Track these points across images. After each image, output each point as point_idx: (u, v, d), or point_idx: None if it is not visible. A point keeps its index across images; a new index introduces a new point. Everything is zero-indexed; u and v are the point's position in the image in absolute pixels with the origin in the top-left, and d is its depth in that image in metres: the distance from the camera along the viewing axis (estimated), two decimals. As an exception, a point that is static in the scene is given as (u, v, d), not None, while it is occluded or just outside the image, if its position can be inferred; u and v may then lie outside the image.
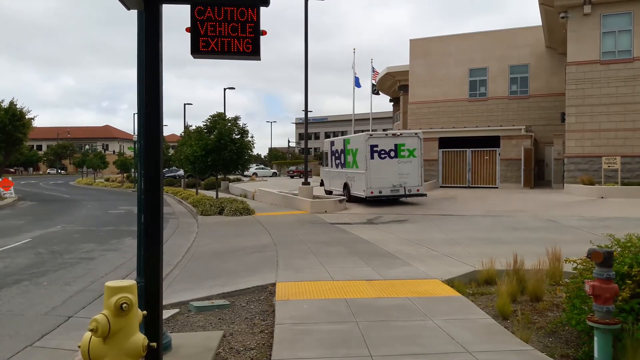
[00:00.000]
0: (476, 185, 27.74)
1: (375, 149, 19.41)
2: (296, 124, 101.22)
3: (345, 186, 21.59)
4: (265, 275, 8.37)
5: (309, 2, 20.08)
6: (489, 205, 19.04)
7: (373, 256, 9.72)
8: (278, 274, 8.34)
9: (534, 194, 22.96)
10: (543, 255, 7.58)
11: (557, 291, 6.63)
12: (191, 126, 28.12)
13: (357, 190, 20.17)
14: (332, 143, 24.04)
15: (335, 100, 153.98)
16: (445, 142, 28.71)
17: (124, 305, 3.25)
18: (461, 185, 28.00)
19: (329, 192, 24.02)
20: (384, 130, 53.36)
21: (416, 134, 20.04)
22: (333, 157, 23.60)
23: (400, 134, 20.12)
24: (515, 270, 7.02)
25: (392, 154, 19.34)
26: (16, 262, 10.83)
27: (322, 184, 26.01)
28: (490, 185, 27.46)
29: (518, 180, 26.74)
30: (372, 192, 19.27)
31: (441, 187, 28.17)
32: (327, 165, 24.81)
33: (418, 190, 19.60)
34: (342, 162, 22.10)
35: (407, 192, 19.46)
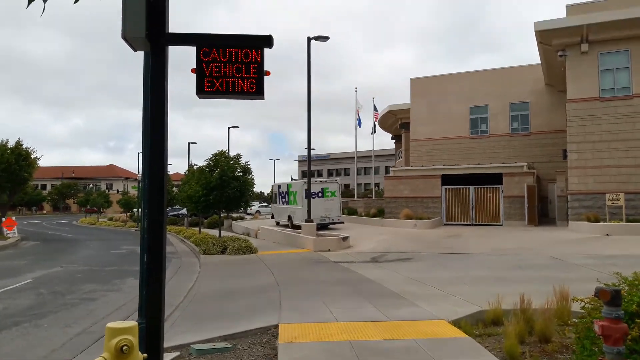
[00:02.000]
0: (480, 223, 27.57)
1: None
2: (299, 161, 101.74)
3: (289, 218, 28.55)
4: (267, 316, 8.24)
5: (312, 43, 20.45)
6: (493, 243, 18.89)
7: (378, 296, 9.58)
8: (281, 315, 8.21)
9: (539, 232, 22.79)
10: (550, 294, 7.46)
11: (565, 331, 6.49)
12: (195, 165, 28.34)
13: (297, 220, 26.64)
14: (279, 186, 31.96)
15: (339, 138, 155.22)
16: (448, 179, 28.73)
17: (125, 347, 3.19)
18: (465, 223, 27.83)
19: (277, 223, 30.53)
20: (387, 167, 53.69)
21: (336, 180, 29.26)
22: (280, 197, 31.23)
23: (325, 181, 28.66)
24: (523, 310, 6.90)
25: (320, 194, 26.80)
26: (17, 303, 10.72)
27: (272, 216, 33.63)
28: (494, 223, 27.29)
29: (522, 218, 26.58)
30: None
31: (445, 224, 28.01)
32: (276, 202, 32.45)
33: (338, 219, 27.18)
34: (287, 200, 29.76)
35: (330, 221, 26.64)
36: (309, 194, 22.18)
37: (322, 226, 26.10)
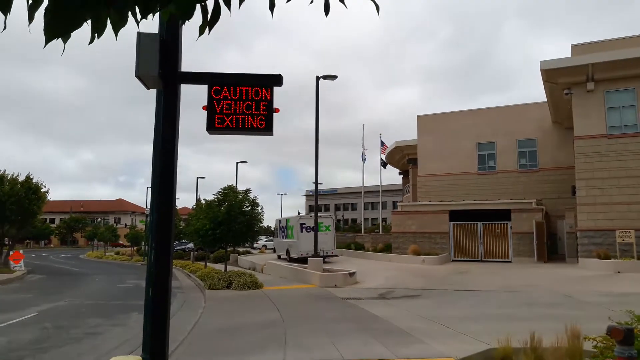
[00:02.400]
0: (489, 259, 27.26)
1: (303, 225, 28.77)
2: (306, 195, 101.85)
3: (287, 251, 30.05)
4: (273, 354, 8.13)
5: (320, 82, 20.85)
6: (502, 280, 18.63)
7: (386, 333, 9.43)
8: (286, 353, 8.09)
9: (549, 269, 22.48)
10: (561, 332, 7.32)
11: (578, 372, 6.33)
12: (203, 200, 28.46)
13: (294, 253, 28.71)
14: (280, 221, 33.78)
15: (346, 173, 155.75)
16: (456, 215, 28.60)
17: (129, 384, 3.17)
18: (473, 259, 27.53)
19: (279, 256, 31.77)
20: (395, 202, 53.73)
21: (330, 215, 30.84)
22: (280, 231, 33.05)
23: (320, 216, 28.37)
24: (533, 349, 6.76)
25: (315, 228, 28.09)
26: (20, 337, 10.65)
27: (274, 250, 35.62)
28: (503, 259, 26.98)
29: (531, 254, 26.28)
30: (301, 254, 27.69)
31: (453, 260, 27.72)
32: (277, 236, 34.35)
33: (332, 252, 28.80)
34: (285, 234, 31.50)
35: (324, 254, 27.38)
36: (315, 229, 22.18)
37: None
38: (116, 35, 1.96)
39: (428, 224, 29.01)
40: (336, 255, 29.03)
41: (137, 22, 1.93)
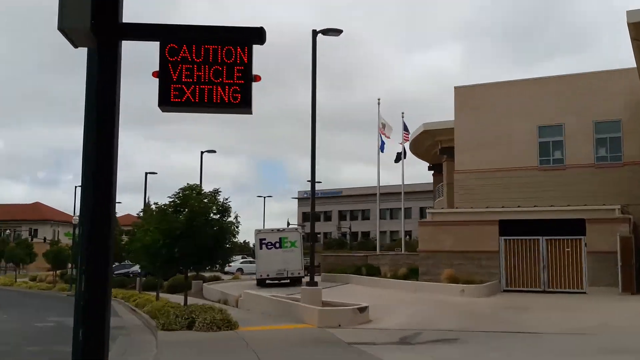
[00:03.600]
0: (555, 290, 27.23)
1: (263, 241, 33.26)
2: (299, 199, 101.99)
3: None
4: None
5: (318, 38, 20.79)
6: (574, 319, 18.66)
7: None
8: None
9: (638, 302, 22.51)
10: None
11: None
12: (154, 204, 28.33)
13: (257, 274, 33.92)
14: (259, 234, 36.87)
15: (355, 168, 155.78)
16: (509, 227, 28.59)
17: None
18: (533, 289, 27.49)
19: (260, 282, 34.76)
20: (422, 208, 53.94)
21: (296, 229, 37.30)
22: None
23: (284, 230, 36.46)
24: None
25: (277, 245, 32.90)
26: None
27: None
28: (575, 290, 26.96)
29: (614, 282, 26.22)
30: (261, 276, 33.10)
31: (504, 291, 27.72)
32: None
33: (299, 273, 32.90)
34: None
35: (289, 275, 32.51)
36: (312, 246, 22.16)
37: (279, 280, 33.12)
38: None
39: (469, 239, 29.01)
40: (302, 277, 32.54)
41: None
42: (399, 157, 45.43)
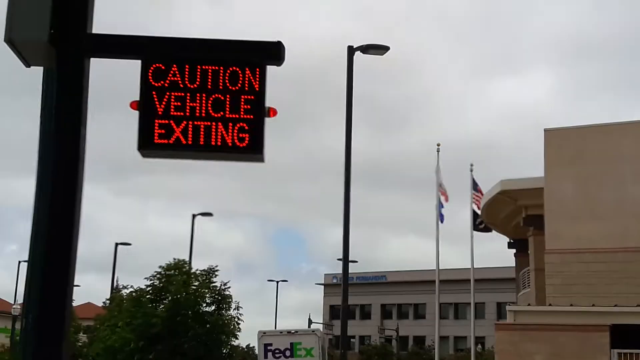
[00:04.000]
0: None
1: (269, 347, 31.64)
2: (326, 285, 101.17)
3: None
4: None
5: (355, 57, 21.09)
6: None
7: None
8: None
9: None
10: None
11: None
12: (127, 288, 28.38)
13: None
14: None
15: (407, 241, 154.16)
16: (625, 336, 28.13)
17: None
18: None
19: None
20: (500, 304, 52.86)
21: (314, 331, 34.18)
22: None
23: (297, 332, 33.45)
24: None
25: (288, 353, 31.76)
26: None
27: None
28: None
29: None
30: None
31: None
32: None
33: None
34: None
35: None
36: (343, 357, 22.00)
37: None
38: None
39: (569, 351, 28.59)
40: None
41: None
42: (478, 225, 44.76)
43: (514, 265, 50.86)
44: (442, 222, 43.87)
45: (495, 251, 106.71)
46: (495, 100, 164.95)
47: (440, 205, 43.35)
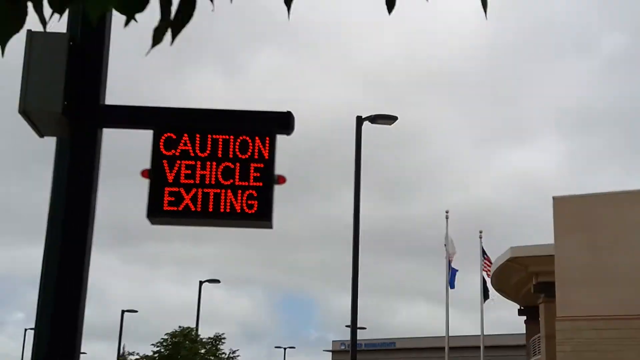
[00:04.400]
0: None
1: None
2: (334, 352, 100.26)
3: None
4: None
5: (364, 127, 21.23)
6: None
7: None
8: None
9: None
10: None
11: None
12: (131, 355, 28.22)
13: None
14: None
15: (416, 307, 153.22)
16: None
17: None
18: None
19: None
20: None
21: None
22: None
23: None
24: None
25: None
26: None
27: None
28: None
29: None
30: None
31: None
32: None
33: None
34: None
35: None
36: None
37: None
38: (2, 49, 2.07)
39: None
40: None
41: (44, 23, 2.03)
42: (485, 293, 44.75)
43: (524, 332, 50.56)
44: (452, 287, 43.96)
45: (505, 318, 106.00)
46: (502, 169, 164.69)
47: (450, 272, 43.39)
